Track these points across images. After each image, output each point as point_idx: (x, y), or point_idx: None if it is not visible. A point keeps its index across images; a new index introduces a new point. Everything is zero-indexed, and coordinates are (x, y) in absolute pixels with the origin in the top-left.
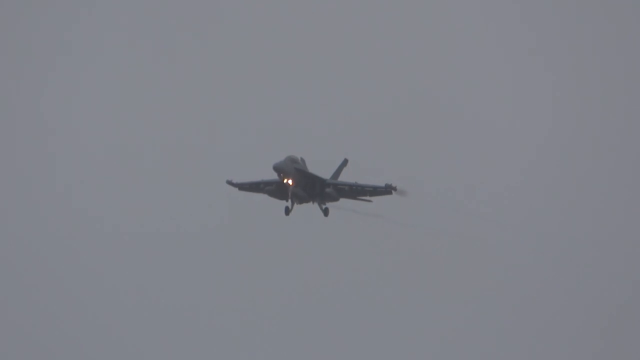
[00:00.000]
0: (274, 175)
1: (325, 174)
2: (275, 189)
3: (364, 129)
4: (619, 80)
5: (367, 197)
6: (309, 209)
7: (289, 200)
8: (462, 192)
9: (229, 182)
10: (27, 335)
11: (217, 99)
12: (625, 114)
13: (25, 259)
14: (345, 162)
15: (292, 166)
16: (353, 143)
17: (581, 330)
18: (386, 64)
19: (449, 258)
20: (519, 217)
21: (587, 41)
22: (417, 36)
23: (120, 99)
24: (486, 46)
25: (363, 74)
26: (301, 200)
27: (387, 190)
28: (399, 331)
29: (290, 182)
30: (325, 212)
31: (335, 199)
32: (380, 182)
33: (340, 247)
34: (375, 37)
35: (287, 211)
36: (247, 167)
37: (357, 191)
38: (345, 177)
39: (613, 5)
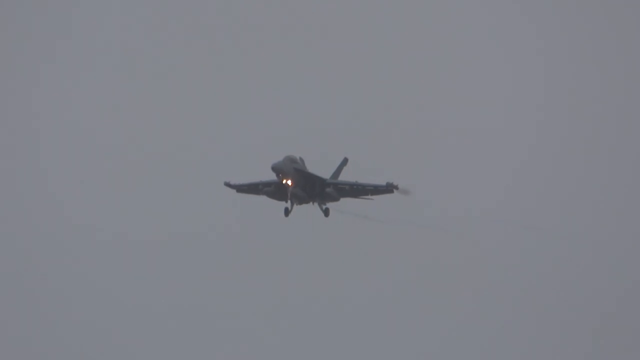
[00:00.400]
0: (272, 176)
1: (325, 173)
2: (274, 190)
3: (364, 127)
4: (621, 83)
5: (369, 196)
6: (310, 210)
7: (289, 201)
8: (464, 191)
9: (227, 184)
10: (28, 341)
11: (214, 99)
12: (627, 115)
13: (21, 263)
14: (345, 161)
15: (291, 166)
16: (353, 142)
17: (580, 331)
18: (386, 62)
19: (451, 259)
20: (521, 217)
21: (588, 45)
22: (418, 35)
23: (116, 98)
24: (488, 45)
25: (362, 73)
26: (301, 200)
27: (389, 189)
28: (401, 334)
29: (289, 182)
30: (326, 212)
31: (336, 199)
32: (381, 181)
33: (342, 248)
34: (376, 35)
35: (287, 212)
36: (245, 168)
37: (357, 190)
38: (345, 177)
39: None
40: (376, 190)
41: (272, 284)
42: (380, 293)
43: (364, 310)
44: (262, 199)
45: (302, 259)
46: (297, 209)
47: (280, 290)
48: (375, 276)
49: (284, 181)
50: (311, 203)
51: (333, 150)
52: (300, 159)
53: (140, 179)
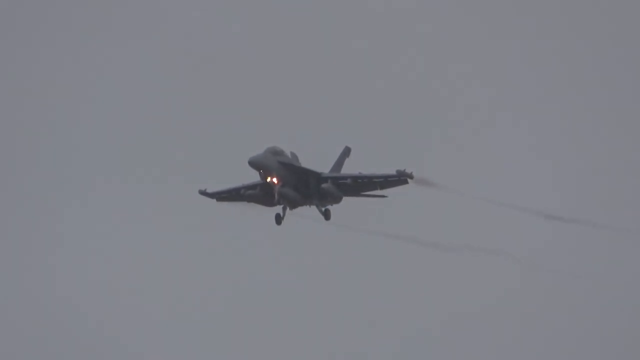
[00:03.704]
0: (256, 177)
1: (323, 168)
2: (259, 193)
3: (367, 110)
4: None
5: (379, 192)
6: (308, 213)
7: (280, 204)
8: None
9: (203, 193)
10: None
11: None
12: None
13: None
14: (347, 151)
15: (273, 159)
16: (354, 128)
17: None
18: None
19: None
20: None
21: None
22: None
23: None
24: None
25: (361, 67)
26: (293, 203)
27: (401, 178)
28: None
29: (275, 180)
30: (326, 214)
31: (336, 198)
32: (390, 170)
33: (346, 259)
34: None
35: (279, 219)
36: (223, 172)
37: (363, 184)
38: (348, 170)
39: None
40: (386, 182)
41: (270, 302)
42: (393, 310)
43: (373, 327)
44: (249, 208)
45: (301, 272)
46: (291, 214)
47: (278, 308)
48: (385, 290)
49: (268, 179)
50: (308, 206)
51: (329, 140)
52: (292, 153)
53: (111, 185)
